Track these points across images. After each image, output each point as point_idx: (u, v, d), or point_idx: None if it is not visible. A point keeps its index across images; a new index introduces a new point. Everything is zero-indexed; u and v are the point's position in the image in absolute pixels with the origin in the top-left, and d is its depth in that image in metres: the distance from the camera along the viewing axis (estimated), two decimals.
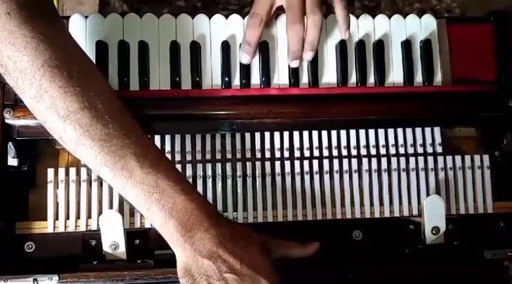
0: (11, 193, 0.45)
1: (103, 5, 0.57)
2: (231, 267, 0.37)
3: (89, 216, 0.45)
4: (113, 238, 0.44)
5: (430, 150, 0.49)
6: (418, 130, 0.49)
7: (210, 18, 0.49)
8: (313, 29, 0.45)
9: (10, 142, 0.45)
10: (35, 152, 0.48)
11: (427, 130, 0.49)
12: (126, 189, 0.38)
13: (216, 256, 0.37)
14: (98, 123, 0.37)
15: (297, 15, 0.45)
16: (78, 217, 0.45)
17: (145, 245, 0.45)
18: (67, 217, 0.45)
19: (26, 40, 0.35)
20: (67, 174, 0.46)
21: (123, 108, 0.39)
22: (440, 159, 0.49)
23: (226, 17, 0.49)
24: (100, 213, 0.45)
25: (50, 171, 0.46)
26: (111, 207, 0.45)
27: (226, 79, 0.48)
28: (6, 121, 0.45)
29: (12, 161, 0.46)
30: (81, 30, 0.47)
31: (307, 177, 0.47)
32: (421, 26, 0.51)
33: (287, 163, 0.48)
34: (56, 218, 0.45)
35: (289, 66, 0.48)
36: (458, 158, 0.49)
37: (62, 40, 0.38)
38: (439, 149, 0.49)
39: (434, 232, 0.45)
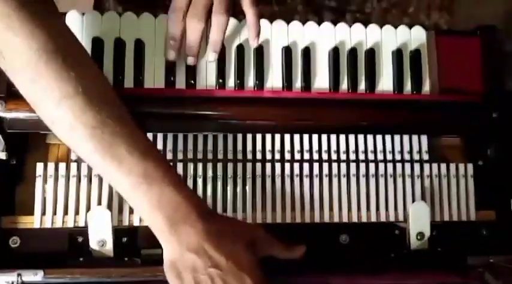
0: None
1: (97, 5, 0.57)
2: (216, 263, 0.37)
3: (76, 212, 0.45)
4: (100, 235, 0.43)
5: (416, 157, 0.50)
6: (406, 137, 0.50)
7: None
8: (217, 30, 0.46)
9: (0, 135, 0.45)
10: (25, 146, 0.47)
11: (414, 138, 0.50)
12: (114, 178, 0.38)
13: (202, 250, 0.37)
14: (90, 110, 0.37)
15: (199, 11, 0.45)
16: (65, 213, 0.45)
17: (133, 243, 0.45)
18: (54, 213, 0.45)
19: (22, 23, 0.35)
20: (56, 169, 0.45)
21: (116, 98, 0.39)
22: (426, 166, 0.50)
23: None
24: (88, 209, 0.45)
25: (39, 166, 0.45)
26: (99, 203, 0.45)
27: (221, 80, 0.48)
28: None
29: (1, 154, 0.45)
30: (78, 27, 0.47)
31: (296, 180, 0.48)
32: (411, 37, 0.52)
33: (277, 166, 0.48)
34: (43, 213, 0.45)
35: (282, 70, 0.49)
36: (443, 166, 0.50)
37: (58, 27, 0.38)
38: (426, 157, 0.50)
39: (419, 237, 0.46)
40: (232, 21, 0.50)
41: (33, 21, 0.35)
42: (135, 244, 0.45)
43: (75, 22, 0.47)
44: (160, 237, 0.38)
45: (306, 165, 0.48)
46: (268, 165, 0.48)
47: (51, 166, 0.45)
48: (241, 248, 0.39)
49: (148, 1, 0.56)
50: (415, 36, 0.52)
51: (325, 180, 0.48)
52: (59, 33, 0.37)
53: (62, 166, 0.46)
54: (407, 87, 0.51)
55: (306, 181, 0.48)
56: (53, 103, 0.37)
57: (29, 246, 0.44)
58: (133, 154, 0.37)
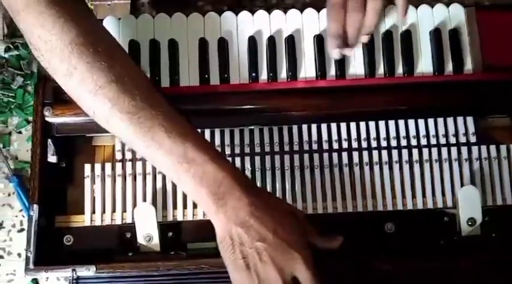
0: (51, 189, 0.47)
1: (134, 12, 0.59)
2: (263, 237, 0.37)
3: (124, 210, 0.47)
4: (147, 230, 0.45)
5: (463, 140, 0.48)
6: (450, 120, 0.48)
7: (236, 15, 0.50)
8: (373, 14, 0.46)
9: (49, 140, 0.47)
10: (73, 149, 0.50)
11: (460, 120, 0.48)
12: (157, 160, 0.39)
13: (249, 224, 0.37)
14: (125, 96, 0.38)
15: (358, 3, 0.45)
16: (113, 210, 0.47)
17: (178, 237, 0.46)
18: (103, 211, 0.47)
19: (53, 19, 0.37)
20: (103, 169, 0.47)
21: (149, 82, 0.41)
22: (474, 149, 0.47)
23: (253, 13, 0.50)
24: (134, 206, 0.46)
25: (87, 167, 0.47)
26: (144, 200, 0.47)
27: (254, 74, 0.49)
28: (46, 118, 0.47)
29: (52, 158, 0.48)
30: (115, 32, 0.49)
31: (336, 170, 0.47)
32: (449, 15, 0.50)
33: (316, 156, 0.48)
34: (93, 212, 0.47)
35: (315, 59, 0.49)
36: (493, 148, 0.47)
37: (87, 20, 0.40)
38: (473, 139, 0.48)
39: (470, 223, 0.44)
40: (263, 14, 0.50)
41: (64, 17, 0.37)
42: (180, 239, 0.46)
43: (113, 27, 0.49)
44: (208, 213, 0.39)
45: (345, 154, 0.48)
46: (307, 156, 0.48)
47: (97, 167, 0.47)
48: (289, 225, 0.38)
49: (182, 1, 0.58)
50: (454, 14, 0.50)
51: (366, 168, 0.47)
52: (89, 28, 0.39)
53: (108, 166, 0.47)
54: (449, 67, 0.49)
55: (346, 170, 0.47)
56: (90, 93, 0.38)
57: (81, 243, 0.46)
58: (171, 135, 0.38)
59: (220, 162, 0.39)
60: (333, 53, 0.47)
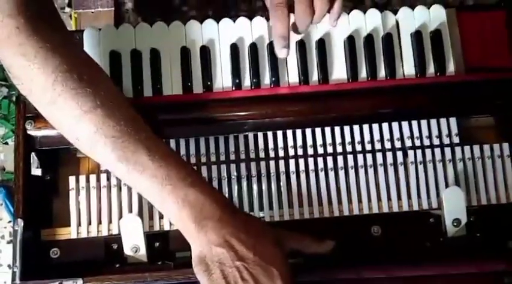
0: (36, 202, 0.47)
1: (118, 19, 0.59)
2: (243, 256, 0.38)
3: (110, 221, 0.47)
4: (133, 241, 0.45)
5: (446, 141, 0.48)
6: (433, 121, 0.48)
7: (217, 22, 0.50)
8: (320, 13, 0.45)
9: (33, 153, 0.47)
10: (57, 161, 0.49)
11: (443, 121, 0.48)
12: (140, 184, 0.39)
13: (229, 245, 0.38)
14: (110, 121, 0.38)
15: (305, 4, 0.44)
16: (99, 222, 0.47)
17: (165, 247, 0.46)
18: (89, 223, 0.47)
19: (35, 50, 0.37)
20: (87, 180, 0.47)
21: (131, 107, 0.41)
22: (458, 149, 0.48)
23: (234, 20, 0.50)
24: (120, 217, 0.46)
25: (72, 179, 0.47)
26: (130, 211, 0.47)
27: (237, 81, 0.49)
28: (28, 132, 0.47)
29: (36, 171, 0.48)
30: (95, 42, 0.49)
31: (322, 174, 0.47)
32: (430, 17, 0.50)
33: (301, 161, 0.48)
34: (79, 224, 0.47)
35: (298, 64, 0.49)
36: (476, 148, 0.48)
37: (69, 47, 0.40)
38: (456, 140, 0.48)
39: (455, 224, 0.44)
40: (244, 21, 0.50)
41: (46, 47, 0.37)
42: (168, 248, 0.46)
43: (93, 38, 0.49)
44: (188, 236, 0.39)
45: (329, 159, 0.48)
46: (292, 162, 0.48)
47: (82, 178, 0.47)
48: (268, 242, 0.39)
49: (166, 8, 0.58)
50: (435, 15, 0.50)
51: (351, 172, 0.47)
52: (70, 53, 0.39)
53: (93, 177, 0.47)
54: (431, 69, 0.49)
55: (332, 174, 0.47)
56: (74, 119, 0.38)
57: (68, 256, 0.46)
58: (154, 159, 0.38)
59: (202, 184, 0.39)
60: (281, 52, 0.47)
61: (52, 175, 0.49)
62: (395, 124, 0.48)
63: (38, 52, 0.37)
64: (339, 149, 0.48)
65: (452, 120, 0.48)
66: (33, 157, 0.47)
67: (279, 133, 0.48)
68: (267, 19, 0.49)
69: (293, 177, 0.47)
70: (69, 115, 0.39)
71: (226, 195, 0.47)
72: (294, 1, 0.44)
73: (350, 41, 0.49)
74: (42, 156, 0.48)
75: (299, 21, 0.45)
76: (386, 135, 0.48)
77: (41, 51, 0.37)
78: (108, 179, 0.47)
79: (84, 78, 0.38)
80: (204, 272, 0.38)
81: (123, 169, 0.39)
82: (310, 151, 0.48)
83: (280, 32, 0.46)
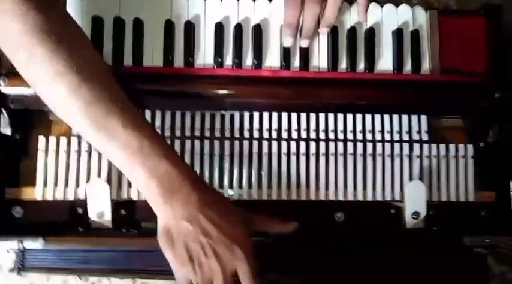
0: (2, 160, 0.46)
1: None
2: (208, 232, 0.38)
3: (77, 185, 0.46)
4: (99, 207, 0.45)
5: (416, 137, 0.50)
6: (405, 117, 0.50)
7: (205, 0, 0.50)
8: (333, 8, 0.46)
9: (4, 110, 0.46)
10: (30, 122, 0.49)
11: (414, 118, 0.50)
12: (109, 152, 0.39)
13: (195, 220, 0.38)
14: (85, 85, 0.38)
15: None
16: (66, 185, 0.46)
17: (131, 216, 0.47)
18: (55, 185, 0.46)
19: (14, 7, 0.37)
20: (58, 143, 0.47)
21: (111, 76, 0.40)
22: (425, 146, 0.49)
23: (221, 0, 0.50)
24: (88, 182, 0.46)
25: (41, 139, 0.47)
26: (99, 177, 0.46)
27: (219, 59, 0.49)
28: (1, 89, 0.46)
29: (6, 129, 0.47)
30: (78, 6, 0.48)
31: (293, 158, 0.48)
32: (412, 16, 0.51)
33: (274, 144, 0.49)
34: (45, 185, 0.46)
35: (280, 49, 0.49)
36: (443, 147, 0.49)
37: (52, 10, 0.39)
38: (425, 137, 0.50)
39: (414, 216, 0.46)
40: (232, 1, 0.50)
41: (26, 4, 0.37)
42: (134, 218, 0.46)
43: (76, 2, 0.48)
44: (155, 207, 0.39)
45: (302, 144, 0.49)
46: (265, 143, 0.49)
47: (52, 140, 0.47)
48: (234, 221, 0.39)
49: None
50: (417, 16, 0.51)
51: (322, 159, 0.48)
52: (52, 16, 0.38)
53: (63, 140, 0.47)
54: (408, 66, 0.50)
55: (303, 159, 0.48)
56: (50, 80, 0.38)
57: (31, 216, 0.45)
58: (127, 128, 0.38)
59: (173, 158, 0.39)
60: (286, 41, 0.48)
61: (22, 135, 0.48)
62: (368, 117, 0.50)
63: (17, 9, 0.36)
64: (313, 135, 0.49)
65: (424, 118, 0.50)
66: (4, 115, 0.46)
67: (256, 114, 0.49)
68: (254, 1, 0.50)
69: (265, 158, 0.48)
70: (44, 76, 0.38)
71: (198, 171, 0.48)
72: None
73: (333, 32, 0.50)
74: (14, 115, 0.47)
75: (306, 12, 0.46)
76: (359, 126, 0.49)
77: (21, 8, 0.36)
78: (79, 144, 0.47)
79: (63, 41, 0.38)
80: (168, 245, 0.39)
81: (93, 135, 0.39)
82: (285, 135, 0.49)
83: (289, 21, 0.47)
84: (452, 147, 0.50)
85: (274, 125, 0.49)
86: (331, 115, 0.49)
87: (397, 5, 0.51)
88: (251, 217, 0.42)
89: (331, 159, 0.49)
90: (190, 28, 0.49)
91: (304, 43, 0.48)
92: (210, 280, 0.38)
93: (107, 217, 0.45)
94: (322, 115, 0.49)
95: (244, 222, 0.40)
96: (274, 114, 0.49)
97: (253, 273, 0.38)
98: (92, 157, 0.47)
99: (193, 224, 0.38)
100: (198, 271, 0.38)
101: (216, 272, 0.38)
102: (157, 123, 0.48)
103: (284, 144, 0.49)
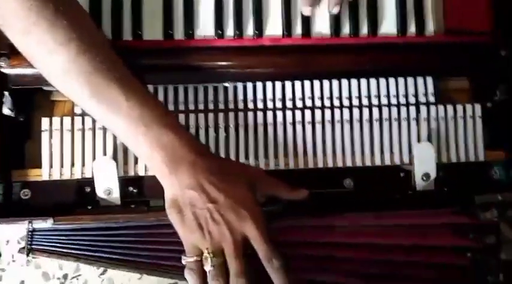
0: (7, 143, 0.46)
1: None
2: (215, 198, 0.38)
3: (83, 164, 0.46)
4: (106, 184, 0.44)
5: (422, 99, 0.49)
6: (411, 80, 0.49)
7: None
8: None
9: (6, 92, 0.46)
10: (32, 104, 0.48)
11: (420, 80, 0.49)
12: (112, 123, 0.38)
13: (201, 187, 0.38)
14: (84, 55, 0.37)
15: None
16: (72, 164, 0.46)
17: (140, 193, 0.46)
18: (61, 165, 0.46)
19: None
20: (61, 123, 0.46)
21: (109, 45, 0.40)
22: (432, 108, 0.49)
23: None
24: (94, 160, 0.46)
25: (45, 120, 0.46)
26: (105, 154, 0.46)
27: (219, 30, 0.48)
28: (2, 69, 0.45)
29: (8, 111, 0.46)
30: None
31: (299, 127, 0.48)
32: None
33: (279, 114, 0.48)
34: (51, 166, 0.46)
35: (282, 17, 0.48)
36: (450, 108, 0.49)
37: None
38: (432, 99, 0.49)
39: (424, 178, 0.46)
40: None
41: None
42: (142, 194, 0.46)
43: None
44: (160, 177, 0.39)
45: (308, 112, 0.48)
46: (270, 113, 0.48)
47: (56, 120, 0.46)
48: (240, 185, 0.39)
49: None
50: None
51: (328, 126, 0.48)
52: None
53: (67, 120, 0.46)
54: (411, 29, 0.50)
55: (309, 127, 0.48)
56: (48, 51, 0.37)
57: (39, 197, 0.45)
58: (129, 98, 0.38)
59: (176, 127, 0.39)
60: (305, 10, 0.47)
61: (25, 117, 0.47)
62: (373, 81, 0.49)
63: None
64: (318, 103, 0.48)
65: (429, 80, 0.49)
66: (6, 96, 0.46)
67: (259, 84, 0.48)
68: None
69: (270, 128, 0.48)
70: (42, 47, 0.37)
71: None
72: None
73: None
74: (16, 96, 0.46)
75: None
76: (364, 92, 0.49)
77: None
78: (83, 123, 0.46)
79: (60, 9, 0.37)
80: (177, 214, 0.39)
81: (95, 106, 0.38)
82: (289, 104, 0.48)
83: None
84: (459, 107, 0.49)
85: (278, 94, 0.48)
86: (335, 82, 0.49)
87: None
88: (261, 179, 0.41)
89: (337, 126, 0.48)
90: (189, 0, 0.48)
91: (306, 11, 0.47)
92: (220, 245, 0.38)
93: (115, 194, 0.44)
94: (326, 82, 0.49)
95: (251, 186, 0.40)
96: (278, 84, 0.48)
97: (264, 237, 0.38)
98: (96, 135, 0.46)
99: (200, 192, 0.38)
100: (207, 237, 0.38)
101: (226, 237, 0.37)
102: (160, 98, 0.47)
103: (289, 113, 0.48)
